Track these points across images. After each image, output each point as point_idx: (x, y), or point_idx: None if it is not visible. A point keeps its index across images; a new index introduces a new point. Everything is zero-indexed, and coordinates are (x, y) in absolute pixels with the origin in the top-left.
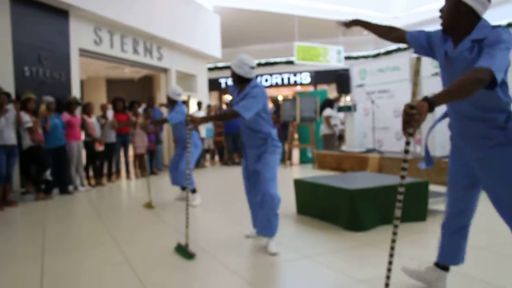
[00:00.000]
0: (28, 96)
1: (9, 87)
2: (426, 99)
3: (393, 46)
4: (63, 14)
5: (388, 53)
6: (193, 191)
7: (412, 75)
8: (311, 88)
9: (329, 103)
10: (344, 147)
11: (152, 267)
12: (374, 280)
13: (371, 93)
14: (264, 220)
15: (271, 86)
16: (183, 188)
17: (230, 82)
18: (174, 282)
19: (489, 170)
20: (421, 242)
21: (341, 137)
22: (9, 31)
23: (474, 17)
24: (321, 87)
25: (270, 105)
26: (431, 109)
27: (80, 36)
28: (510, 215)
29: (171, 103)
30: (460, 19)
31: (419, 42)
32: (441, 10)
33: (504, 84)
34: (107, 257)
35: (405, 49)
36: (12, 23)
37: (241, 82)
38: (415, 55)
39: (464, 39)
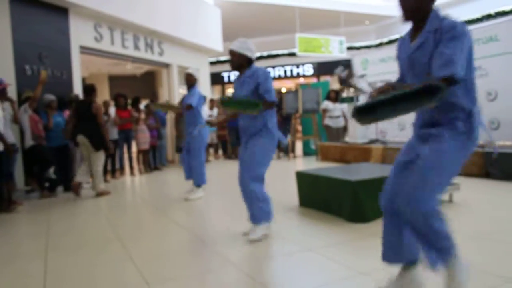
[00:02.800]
0: (28, 95)
1: (11, 86)
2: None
3: (396, 35)
4: (62, 11)
5: (390, 42)
6: (198, 185)
7: None
8: (314, 80)
9: (336, 93)
10: (347, 139)
11: (156, 264)
12: (377, 272)
13: (373, 83)
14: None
15: (274, 78)
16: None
17: (233, 75)
18: (177, 277)
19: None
20: None
21: (345, 129)
22: (9, 30)
23: (431, 6)
24: (324, 78)
25: None
26: None
27: (80, 34)
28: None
29: (191, 84)
30: (425, 10)
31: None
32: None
33: (465, 81)
34: (110, 254)
35: None
36: (12, 22)
37: (246, 65)
38: None
39: (421, 33)
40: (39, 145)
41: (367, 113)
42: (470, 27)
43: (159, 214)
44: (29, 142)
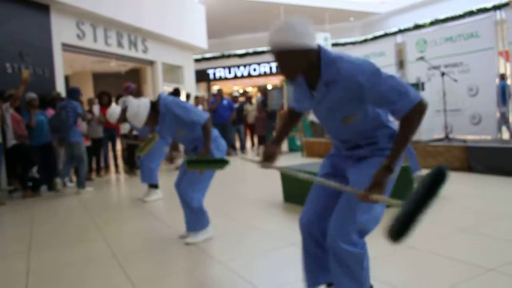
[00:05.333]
0: (11, 93)
1: None
2: (385, 168)
3: (381, 31)
4: (43, 9)
5: (375, 38)
6: (154, 186)
7: (396, 60)
8: None
9: None
10: None
11: (139, 261)
12: None
13: None
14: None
15: (259, 75)
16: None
17: (219, 72)
18: (161, 274)
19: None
20: None
21: None
22: None
23: (315, 53)
24: None
25: (258, 95)
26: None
27: (62, 31)
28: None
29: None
30: (306, 64)
31: (301, 103)
32: (281, 67)
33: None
34: (94, 252)
35: (392, 34)
36: None
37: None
38: (399, 41)
39: (318, 85)
40: (22, 144)
41: (404, 232)
42: (452, 24)
43: (144, 212)
44: (11, 141)
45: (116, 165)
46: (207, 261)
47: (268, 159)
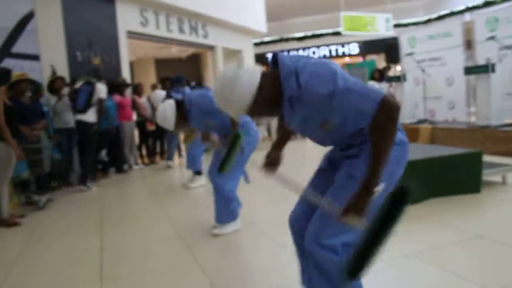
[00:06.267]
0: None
1: (64, 72)
2: (360, 192)
3: (446, 10)
4: None
5: (440, 18)
6: (198, 173)
7: (464, 40)
8: (360, 59)
9: (380, 73)
10: None
11: (203, 241)
12: (422, 254)
13: (421, 61)
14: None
15: (319, 58)
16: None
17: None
18: (222, 254)
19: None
20: (474, 215)
21: None
22: (61, 18)
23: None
24: (370, 57)
25: None
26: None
27: (127, 19)
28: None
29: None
30: (276, 95)
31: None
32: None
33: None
34: (160, 231)
35: (458, 12)
36: (63, 10)
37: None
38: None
39: (283, 100)
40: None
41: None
42: (431, 28)
43: (207, 194)
44: None
45: (179, 148)
46: (268, 244)
47: (271, 164)
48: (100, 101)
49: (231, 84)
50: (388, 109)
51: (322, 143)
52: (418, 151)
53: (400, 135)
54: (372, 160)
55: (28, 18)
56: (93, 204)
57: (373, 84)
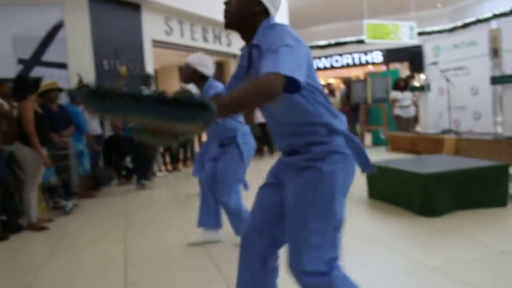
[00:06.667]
0: None
1: (90, 79)
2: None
3: (472, 17)
4: (135, 8)
5: (466, 25)
6: None
7: (490, 48)
8: (383, 67)
9: (405, 82)
10: (418, 128)
11: (225, 250)
12: (447, 267)
13: (445, 70)
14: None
15: (342, 66)
16: None
17: None
18: None
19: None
20: (500, 229)
21: (415, 118)
22: (89, 27)
23: (264, 18)
24: (394, 65)
25: (342, 87)
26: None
27: (152, 28)
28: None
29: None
30: (250, 19)
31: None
32: (227, 3)
33: (312, 92)
34: (183, 238)
35: (485, 20)
36: (91, 19)
37: (199, 80)
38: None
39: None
40: (117, 135)
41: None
42: (456, 37)
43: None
44: (108, 132)
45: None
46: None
47: None
48: None
49: None
50: (271, 81)
51: (271, 127)
52: (443, 163)
53: (342, 145)
54: (235, 92)
55: (57, 27)
56: (117, 210)
57: (396, 94)
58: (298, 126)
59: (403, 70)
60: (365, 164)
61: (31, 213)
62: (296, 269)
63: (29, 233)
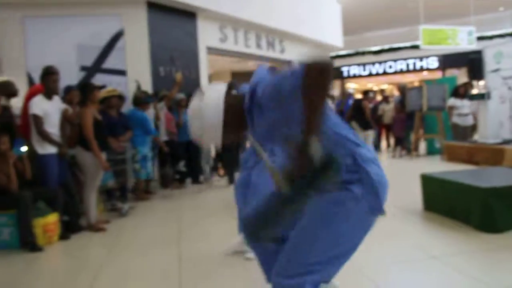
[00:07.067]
0: (164, 94)
1: (147, 86)
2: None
3: None
4: (191, 16)
5: None
6: None
7: None
8: (439, 73)
9: (464, 89)
10: (476, 138)
11: None
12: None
13: (508, 78)
14: None
15: (395, 72)
16: None
17: (353, 70)
18: None
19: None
20: None
21: (474, 127)
22: (147, 36)
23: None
24: (450, 72)
25: (396, 93)
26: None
27: (207, 35)
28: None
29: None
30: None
31: None
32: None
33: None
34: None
35: None
36: (149, 27)
37: None
38: None
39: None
40: (171, 140)
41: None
42: None
43: None
44: (163, 137)
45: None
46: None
47: None
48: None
49: (199, 117)
50: (318, 67)
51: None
52: (504, 176)
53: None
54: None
55: (118, 36)
56: (171, 213)
57: (454, 101)
58: None
59: (460, 76)
60: (376, 205)
61: (91, 214)
62: (279, 278)
63: (88, 234)
